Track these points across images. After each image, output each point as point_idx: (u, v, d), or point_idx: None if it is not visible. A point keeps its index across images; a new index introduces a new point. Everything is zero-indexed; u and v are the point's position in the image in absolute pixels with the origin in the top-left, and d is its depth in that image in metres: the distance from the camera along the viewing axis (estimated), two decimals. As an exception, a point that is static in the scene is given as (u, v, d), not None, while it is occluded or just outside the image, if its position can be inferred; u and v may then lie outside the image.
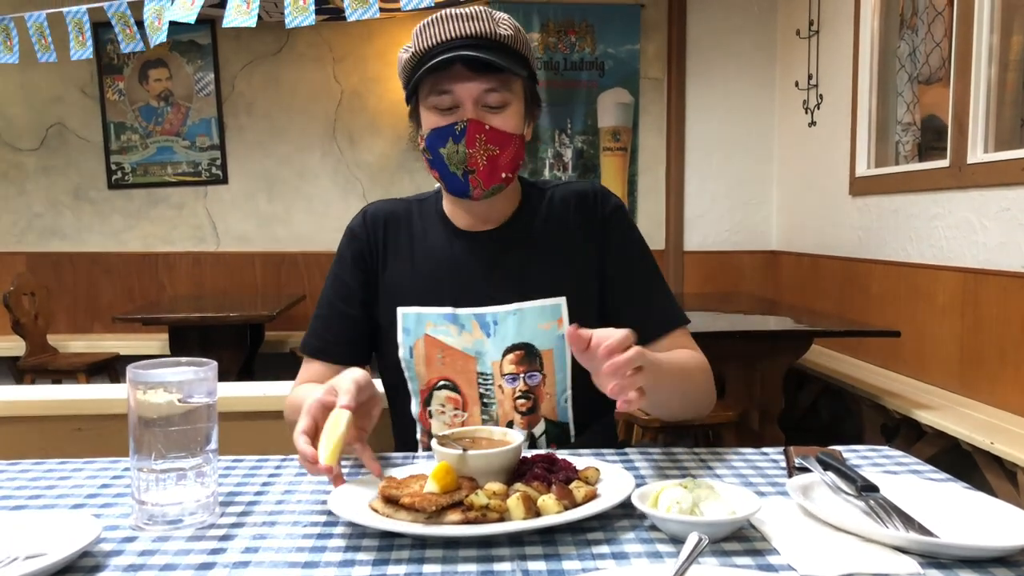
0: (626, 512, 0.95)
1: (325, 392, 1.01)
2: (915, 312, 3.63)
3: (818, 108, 4.70)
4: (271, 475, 1.12)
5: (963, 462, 2.90)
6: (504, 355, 1.31)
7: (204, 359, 0.95)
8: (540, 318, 1.32)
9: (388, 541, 0.88)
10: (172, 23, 3.56)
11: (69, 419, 1.80)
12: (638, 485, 0.95)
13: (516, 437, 1.04)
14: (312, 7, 3.33)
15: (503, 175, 1.28)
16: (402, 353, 1.34)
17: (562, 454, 1.19)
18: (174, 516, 0.92)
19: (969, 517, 0.91)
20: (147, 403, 0.91)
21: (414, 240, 1.38)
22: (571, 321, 1.32)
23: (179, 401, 0.91)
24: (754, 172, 5.42)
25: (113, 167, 5.26)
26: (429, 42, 1.25)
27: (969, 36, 3.22)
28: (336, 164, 5.33)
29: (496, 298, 1.32)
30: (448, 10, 1.26)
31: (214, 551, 0.86)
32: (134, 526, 0.93)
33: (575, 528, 0.90)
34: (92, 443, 1.76)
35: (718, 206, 5.44)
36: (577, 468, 1.00)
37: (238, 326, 4.25)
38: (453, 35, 1.24)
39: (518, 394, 1.32)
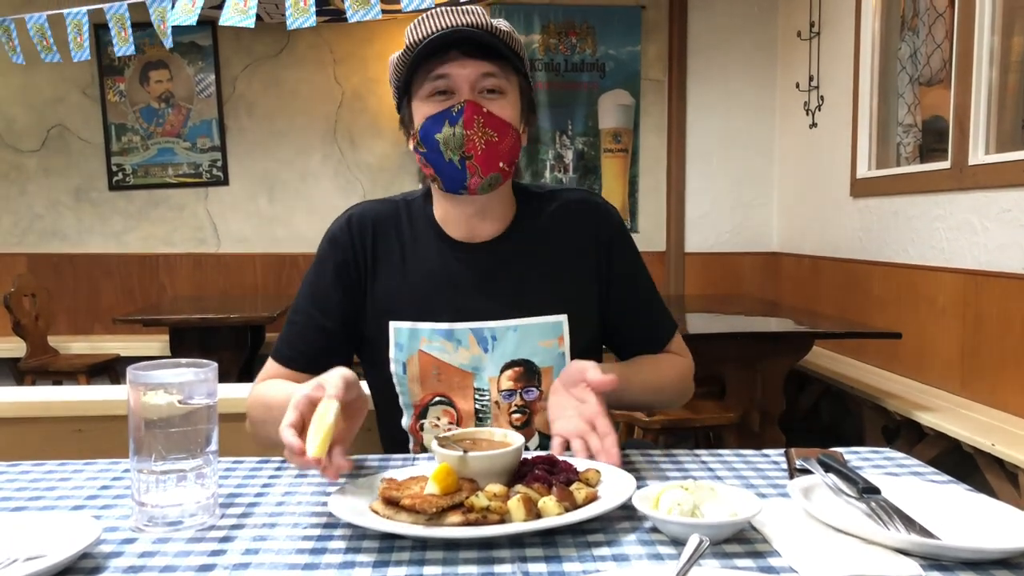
0: (627, 514, 0.94)
1: (313, 388, 0.98)
2: (916, 313, 3.63)
3: (819, 109, 4.70)
4: (271, 476, 1.12)
5: (964, 464, 2.89)
6: (502, 371, 1.29)
7: (204, 360, 0.95)
8: (541, 335, 1.30)
9: (388, 543, 0.87)
10: (175, 24, 3.57)
11: (69, 420, 1.80)
12: (639, 487, 0.95)
13: (517, 439, 1.04)
14: (313, 8, 3.33)
15: (500, 164, 1.24)
16: (394, 369, 1.30)
17: (562, 456, 1.19)
18: (174, 518, 0.92)
19: (970, 519, 0.91)
20: (147, 404, 0.91)
21: (405, 249, 1.32)
22: (572, 338, 1.31)
23: (179, 402, 0.91)
24: (755, 173, 5.42)
25: (114, 168, 5.26)
26: (423, 33, 1.22)
27: (970, 37, 3.22)
28: (337, 165, 5.33)
29: (494, 313, 1.29)
30: (443, 8, 1.24)
31: (214, 553, 0.86)
32: (134, 527, 0.92)
33: (576, 530, 0.90)
34: (92, 444, 1.76)
35: (719, 207, 5.44)
36: (578, 470, 1.00)
37: (238, 327, 4.25)
38: (448, 24, 1.22)
39: (514, 408, 1.30)
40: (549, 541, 0.87)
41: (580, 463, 1.03)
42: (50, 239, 5.28)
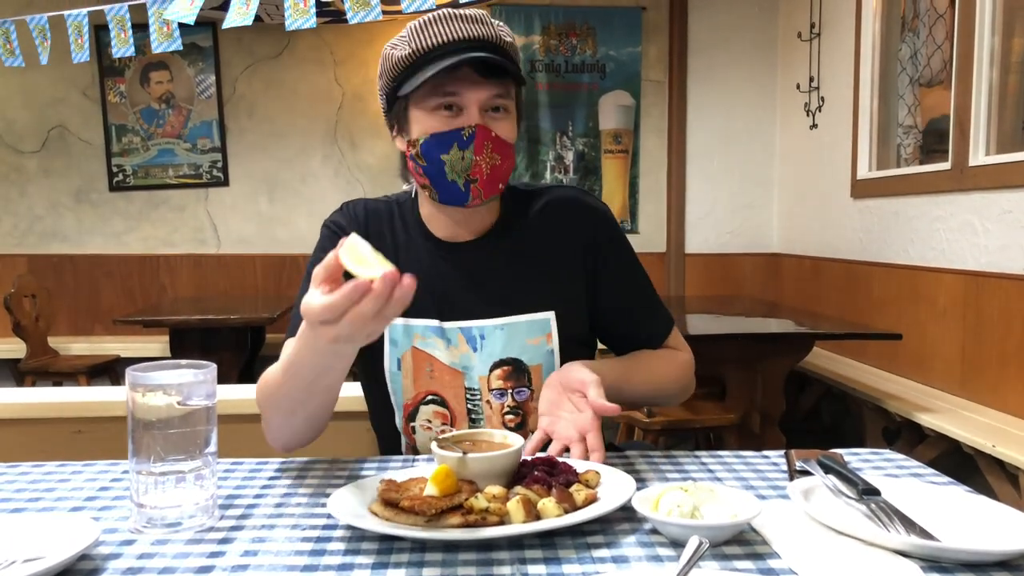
0: (626, 515, 0.94)
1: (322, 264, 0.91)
2: (916, 315, 3.63)
3: (819, 110, 4.70)
4: (270, 478, 1.12)
5: (965, 465, 2.89)
6: (491, 370, 1.29)
7: (203, 361, 0.95)
8: (528, 333, 1.29)
9: (387, 544, 0.87)
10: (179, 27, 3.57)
11: (68, 421, 1.80)
12: (638, 488, 0.95)
13: (516, 440, 1.03)
14: (313, 9, 3.34)
15: (500, 185, 1.24)
16: (388, 365, 1.29)
17: (562, 457, 1.19)
18: (173, 519, 0.92)
19: (971, 521, 0.91)
20: (146, 406, 0.91)
21: (398, 247, 1.32)
22: (560, 335, 1.30)
23: (178, 404, 0.91)
24: (755, 174, 5.42)
25: (114, 169, 5.26)
26: (431, 41, 1.19)
27: (971, 38, 3.22)
28: (337, 167, 5.33)
29: (482, 312, 1.28)
30: (448, 10, 1.21)
31: (213, 554, 0.85)
32: (133, 529, 0.92)
33: (575, 531, 0.90)
34: (91, 445, 1.76)
35: (719, 208, 5.44)
36: (577, 471, 1.00)
37: (239, 328, 4.25)
38: (458, 36, 1.19)
39: (506, 410, 1.29)
40: (548, 543, 0.87)
41: (580, 464, 1.03)
42: (50, 240, 5.28)
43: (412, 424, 1.31)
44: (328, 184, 5.32)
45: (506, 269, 1.31)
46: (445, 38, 1.19)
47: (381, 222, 1.34)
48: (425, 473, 0.96)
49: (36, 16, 3.95)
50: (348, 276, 0.88)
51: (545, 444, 1.13)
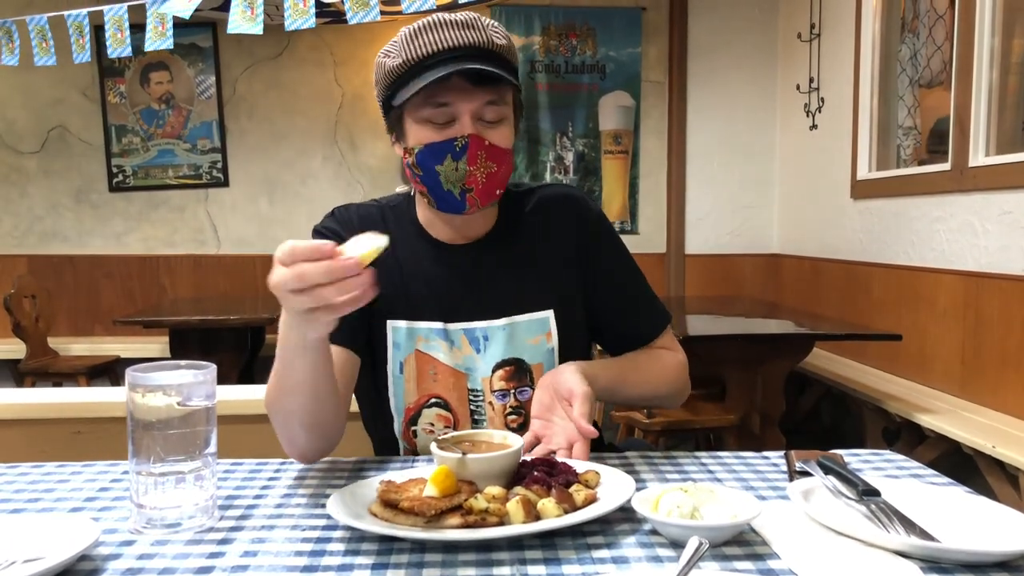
0: (626, 516, 0.94)
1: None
2: (916, 315, 3.63)
3: (819, 111, 4.70)
4: (270, 478, 1.12)
5: (965, 466, 2.89)
6: (494, 371, 1.29)
7: (203, 362, 0.95)
8: (529, 332, 1.29)
9: (387, 545, 0.87)
10: (175, 25, 3.57)
11: (68, 422, 1.80)
12: (638, 489, 0.95)
13: (516, 440, 1.03)
14: (312, 10, 3.34)
15: (497, 192, 1.24)
16: (391, 368, 1.28)
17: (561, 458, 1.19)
18: (173, 520, 0.92)
19: (971, 521, 0.91)
20: (146, 406, 0.91)
21: (396, 249, 1.29)
22: (560, 333, 1.30)
23: (178, 404, 0.91)
24: (755, 175, 5.42)
25: (114, 170, 5.26)
26: (422, 50, 1.18)
27: (970, 39, 3.22)
28: (337, 167, 5.33)
29: (484, 313, 1.29)
30: (440, 16, 1.20)
31: (213, 555, 0.85)
32: (132, 530, 0.92)
33: (575, 532, 0.90)
34: (91, 446, 1.77)
35: (719, 209, 5.44)
36: (577, 471, 1.00)
37: (239, 329, 4.25)
38: (450, 44, 1.18)
39: (509, 410, 1.29)
40: (548, 543, 0.87)
41: (579, 465, 1.04)
42: (50, 240, 5.28)
43: (413, 428, 1.30)
44: (328, 185, 5.32)
45: (506, 270, 1.31)
46: (435, 47, 1.18)
47: (376, 225, 1.31)
48: (425, 474, 0.96)
49: (36, 16, 3.95)
50: None
51: (534, 446, 1.14)
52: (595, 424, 1.46)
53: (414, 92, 1.17)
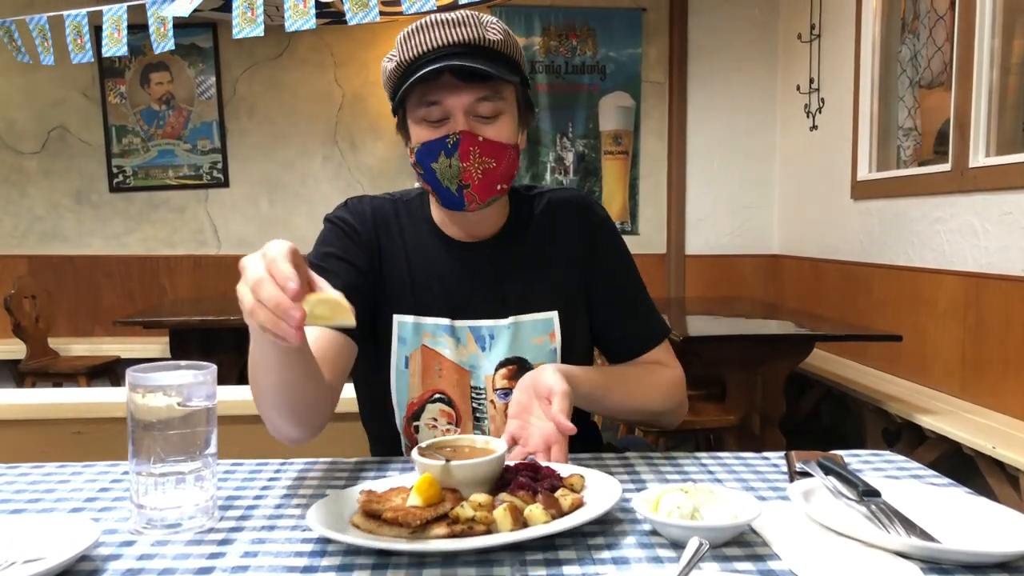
0: (627, 516, 0.94)
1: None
2: (917, 316, 3.63)
3: (819, 112, 4.70)
4: (270, 479, 1.12)
5: (965, 467, 2.89)
6: (497, 369, 1.29)
7: (203, 363, 0.95)
8: (533, 332, 1.30)
9: (387, 545, 0.87)
10: (175, 26, 3.57)
11: (68, 422, 1.80)
12: (638, 489, 0.95)
13: (500, 445, 1.01)
14: (312, 11, 3.34)
15: (498, 187, 1.23)
16: (395, 363, 1.29)
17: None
18: (173, 520, 0.92)
19: (971, 522, 0.91)
20: (146, 407, 0.91)
21: (406, 244, 1.31)
22: (563, 334, 1.31)
23: (178, 405, 0.91)
24: (755, 176, 5.42)
25: (114, 170, 5.26)
26: (414, 51, 1.19)
27: (971, 40, 3.22)
28: (337, 168, 5.33)
29: (492, 312, 1.29)
30: (433, 16, 1.20)
31: (213, 555, 0.85)
32: (133, 530, 0.92)
33: (575, 532, 0.90)
34: (91, 446, 1.76)
35: (719, 210, 5.44)
36: (562, 475, 0.99)
37: (239, 329, 4.19)
38: (440, 43, 1.18)
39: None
40: (548, 544, 0.87)
41: (563, 468, 1.02)
42: (51, 241, 5.28)
43: (416, 424, 1.30)
44: (328, 185, 5.32)
45: (514, 270, 1.32)
46: (427, 47, 1.19)
47: (388, 219, 1.33)
48: (407, 482, 0.95)
49: (36, 16, 3.95)
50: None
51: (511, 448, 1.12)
52: (592, 423, 1.46)
53: (407, 92, 1.18)
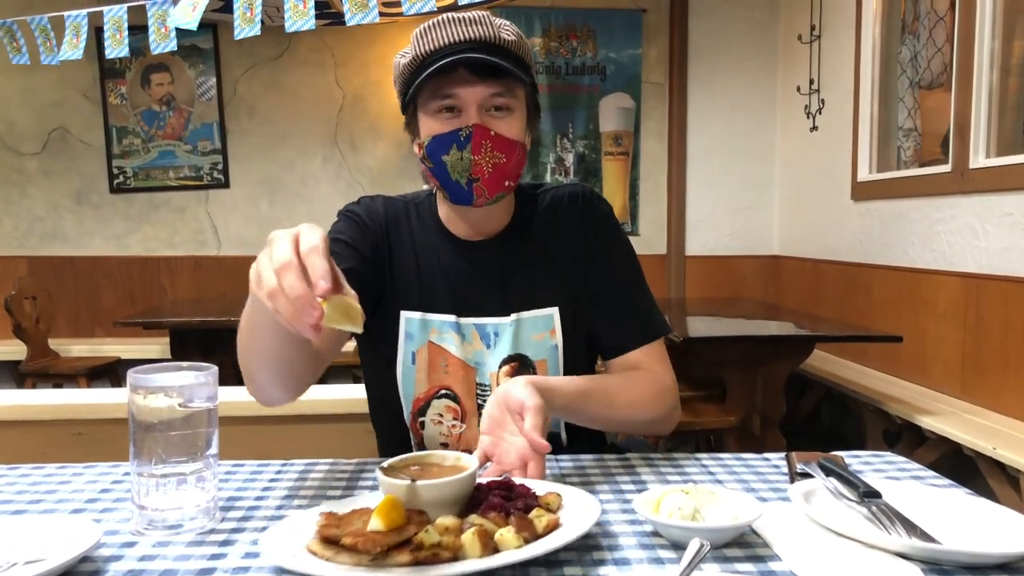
0: (628, 517, 0.94)
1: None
2: (917, 317, 3.63)
3: (820, 113, 4.70)
4: (272, 480, 1.12)
5: (965, 467, 2.89)
6: (501, 367, 1.30)
7: (205, 364, 0.95)
8: (534, 329, 1.30)
9: (388, 546, 0.87)
10: (177, 29, 3.57)
11: (69, 423, 1.80)
12: (639, 490, 0.94)
13: (470, 462, 0.95)
14: (312, 11, 3.34)
15: (506, 183, 1.24)
16: (402, 358, 1.30)
17: (563, 459, 1.19)
18: (174, 521, 0.92)
19: (972, 523, 0.91)
20: (147, 408, 0.91)
21: (416, 243, 1.33)
22: (564, 330, 1.30)
23: (179, 406, 0.91)
24: (756, 177, 5.42)
25: (115, 171, 5.26)
26: (430, 46, 1.21)
27: (971, 41, 3.22)
28: (338, 169, 5.34)
29: (496, 309, 1.30)
30: (449, 14, 1.22)
31: (214, 556, 0.85)
32: (134, 531, 0.92)
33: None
34: (92, 447, 1.76)
35: (720, 211, 5.44)
36: (537, 494, 0.93)
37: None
38: (456, 39, 1.20)
39: None
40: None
41: (539, 486, 0.97)
42: (51, 242, 5.29)
43: (421, 419, 1.31)
44: (328, 186, 5.33)
45: (517, 267, 1.32)
46: (443, 41, 1.20)
47: (399, 218, 1.35)
48: (369, 503, 0.89)
49: (37, 17, 3.95)
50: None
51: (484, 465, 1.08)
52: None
53: (420, 84, 1.20)
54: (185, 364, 0.95)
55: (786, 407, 3.26)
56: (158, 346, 4.73)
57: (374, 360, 1.34)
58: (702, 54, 5.32)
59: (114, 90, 5.23)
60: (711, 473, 1.14)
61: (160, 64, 5.21)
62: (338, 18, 3.61)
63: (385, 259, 1.32)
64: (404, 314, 1.30)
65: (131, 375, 0.91)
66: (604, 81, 5.31)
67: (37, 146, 5.24)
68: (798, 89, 4.91)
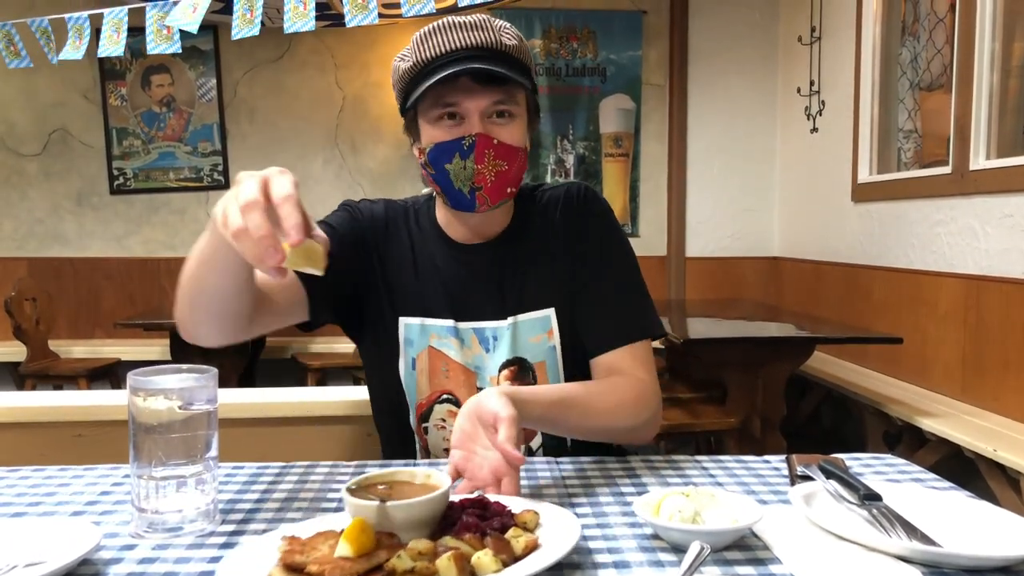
0: (628, 520, 0.94)
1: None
2: (917, 319, 3.63)
3: (820, 114, 4.70)
4: (272, 483, 1.12)
5: (966, 470, 2.89)
6: (500, 371, 1.29)
7: (204, 366, 0.95)
8: (531, 331, 1.30)
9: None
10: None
11: (69, 425, 1.80)
12: (639, 493, 0.94)
13: (443, 480, 0.90)
14: (312, 13, 3.34)
15: (509, 190, 1.24)
16: (403, 364, 1.30)
17: (563, 463, 1.19)
18: (174, 524, 0.92)
19: (972, 526, 0.91)
20: (147, 410, 0.91)
21: (415, 248, 1.33)
22: (561, 330, 1.30)
23: (179, 408, 0.91)
24: (756, 178, 5.42)
25: (115, 172, 5.27)
26: (431, 52, 1.20)
27: (971, 43, 3.22)
28: (338, 170, 5.34)
29: (495, 313, 1.30)
30: (450, 18, 1.22)
31: (214, 559, 0.85)
32: (134, 533, 0.92)
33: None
34: (92, 449, 1.76)
35: (720, 212, 5.44)
36: (513, 512, 0.88)
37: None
38: (457, 45, 1.19)
39: None
40: (550, 548, 0.87)
41: (515, 503, 0.93)
42: (51, 243, 5.29)
43: (424, 424, 1.31)
44: (329, 187, 5.32)
45: (515, 269, 1.32)
46: (444, 48, 1.20)
47: (399, 222, 1.36)
48: (335, 526, 0.84)
49: (37, 19, 3.95)
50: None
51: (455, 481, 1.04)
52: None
53: (422, 93, 1.19)
54: (185, 366, 0.95)
55: (786, 409, 3.26)
56: (158, 348, 4.73)
57: (375, 366, 1.34)
58: (702, 56, 5.33)
59: (114, 91, 5.23)
60: (711, 475, 1.14)
61: (160, 65, 5.21)
62: (338, 19, 3.61)
63: (376, 263, 1.32)
64: (403, 320, 1.30)
65: (131, 377, 0.91)
66: (604, 83, 5.31)
67: (37, 147, 5.24)
68: (798, 91, 4.91)
